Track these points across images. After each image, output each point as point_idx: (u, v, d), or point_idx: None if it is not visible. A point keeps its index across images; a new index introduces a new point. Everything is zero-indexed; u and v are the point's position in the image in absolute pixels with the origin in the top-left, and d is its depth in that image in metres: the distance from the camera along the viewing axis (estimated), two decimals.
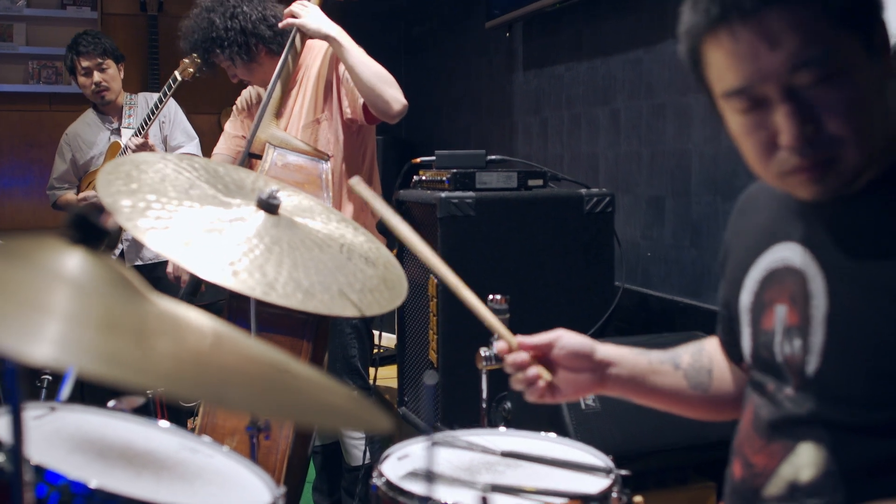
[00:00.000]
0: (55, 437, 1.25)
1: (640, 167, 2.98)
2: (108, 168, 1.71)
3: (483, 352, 2.15)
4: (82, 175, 4.25)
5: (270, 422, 1.97)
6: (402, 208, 2.94)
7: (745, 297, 1.36)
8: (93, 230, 0.83)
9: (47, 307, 0.75)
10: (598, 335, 2.71)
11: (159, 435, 1.38)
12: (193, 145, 4.18)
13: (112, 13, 5.65)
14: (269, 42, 2.99)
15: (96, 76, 3.99)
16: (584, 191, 2.73)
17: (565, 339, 1.50)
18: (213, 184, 1.85)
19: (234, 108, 3.35)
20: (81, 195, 4.15)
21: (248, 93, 3.32)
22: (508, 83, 4.00)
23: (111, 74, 4.03)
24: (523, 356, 1.49)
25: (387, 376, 3.44)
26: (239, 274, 1.60)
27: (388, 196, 3.49)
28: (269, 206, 1.75)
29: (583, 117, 3.35)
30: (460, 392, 2.63)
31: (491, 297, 2.06)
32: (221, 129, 5.81)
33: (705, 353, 1.58)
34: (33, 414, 1.29)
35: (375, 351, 3.73)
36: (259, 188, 1.92)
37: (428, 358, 2.75)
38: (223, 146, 3.36)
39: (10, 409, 0.76)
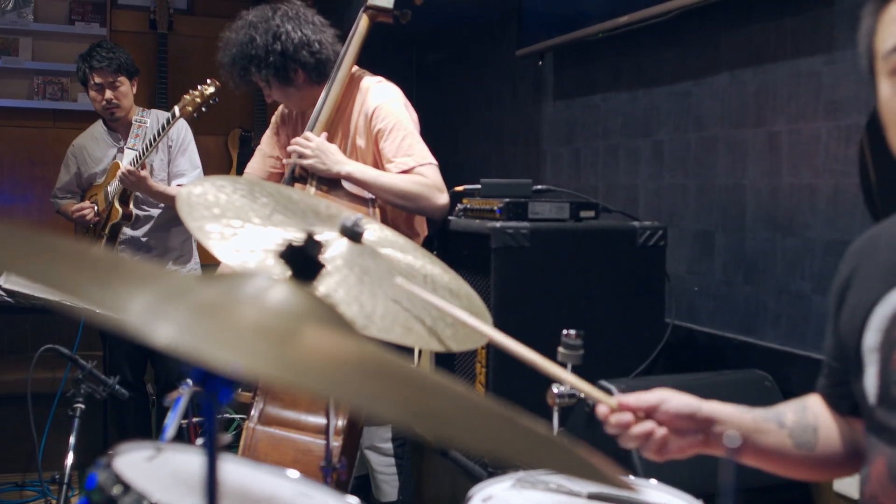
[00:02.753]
0: (172, 478, 1.17)
1: (686, 200, 2.94)
2: (184, 195, 1.64)
3: (555, 388, 2.09)
4: (86, 187, 4.17)
5: (346, 461, 1.89)
6: (446, 237, 2.87)
7: (871, 337, 1.32)
8: (307, 263, 0.75)
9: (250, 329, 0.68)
10: (648, 372, 2.66)
11: (272, 479, 1.30)
12: (195, 175, 4.08)
13: (121, 30, 5.57)
14: (310, 69, 2.90)
15: (108, 93, 3.91)
16: (636, 223, 2.68)
17: (670, 401, 1.44)
18: (289, 209, 1.78)
19: (273, 122, 3.26)
20: (76, 207, 4.06)
21: (284, 108, 3.23)
22: (536, 112, 3.95)
23: (123, 92, 3.95)
24: (628, 416, 1.43)
25: None
26: (337, 306, 1.53)
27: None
28: (354, 233, 1.68)
29: (621, 148, 3.31)
30: None
31: (565, 331, 2.00)
32: (228, 152, 5.79)
33: (809, 410, 1.53)
34: (145, 455, 1.21)
35: None
36: (335, 214, 1.86)
37: (475, 391, 2.67)
38: (257, 166, 3.27)
39: (206, 437, 0.70)
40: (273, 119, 3.25)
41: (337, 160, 2.76)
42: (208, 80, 3.65)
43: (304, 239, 0.74)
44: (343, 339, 0.75)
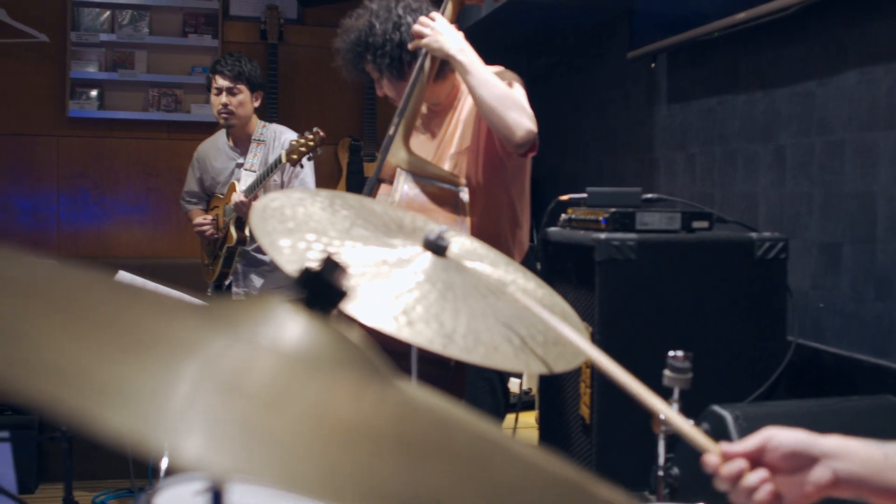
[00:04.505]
0: None
1: (810, 209, 2.72)
2: (259, 208, 1.56)
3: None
4: (210, 195, 4.21)
5: None
6: (550, 249, 2.72)
7: None
8: (327, 291, 0.63)
9: (246, 393, 0.56)
10: (768, 396, 2.45)
11: None
12: None
13: (233, 41, 5.61)
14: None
15: (224, 97, 3.92)
16: (754, 235, 2.48)
17: (778, 437, 1.25)
18: (371, 222, 1.67)
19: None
20: (198, 220, 4.08)
21: None
22: (649, 117, 3.77)
23: (241, 100, 3.95)
24: (741, 465, 1.24)
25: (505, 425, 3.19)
26: (414, 324, 1.41)
27: (532, 236, 3.28)
28: (438, 247, 1.56)
29: (739, 154, 3.10)
30: (617, 454, 2.40)
31: (672, 353, 1.83)
32: (338, 161, 5.77)
33: None
34: (194, 488, 1.11)
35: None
36: (420, 227, 1.74)
37: (579, 413, 2.52)
38: None
39: None
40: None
41: (448, 41, 2.59)
42: (315, 130, 3.62)
43: (321, 261, 0.62)
44: (373, 399, 0.63)
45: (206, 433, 0.50)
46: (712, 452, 1.25)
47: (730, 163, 3.16)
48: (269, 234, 1.50)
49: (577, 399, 2.54)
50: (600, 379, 2.39)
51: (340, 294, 0.63)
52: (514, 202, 2.80)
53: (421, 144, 2.82)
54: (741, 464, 1.23)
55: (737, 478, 1.22)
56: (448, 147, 2.75)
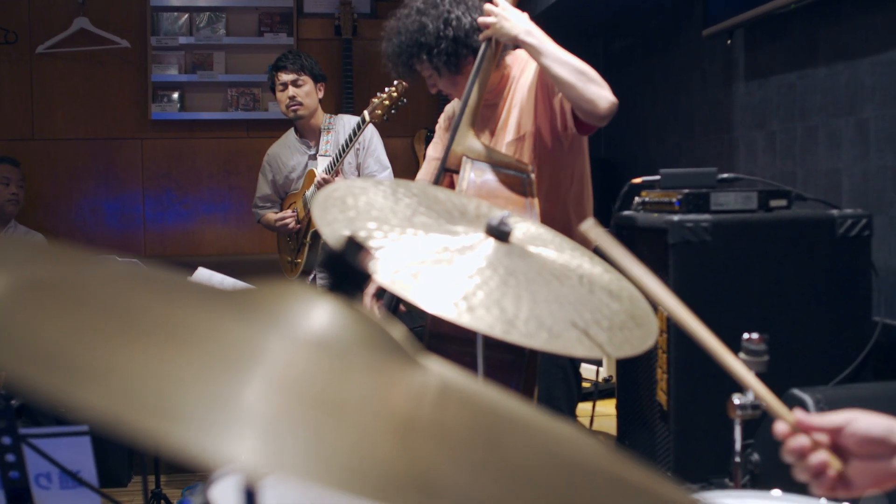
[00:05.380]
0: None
1: None
2: (321, 198, 1.55)
3: (736, 399, 1.87)
4: (283, 195, 4.25)
5: None
6: (623, 233, 2.67)
7: None
8: (349, 273, 0.61)
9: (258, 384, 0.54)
10: (853, 378, 2.37)
11: None
12: (386, 175, 4.09)
13: (308, 38, 5.67)
14: None
15: (291, 90, 3.98)
16: (835, 212, 2.39)
17: (858, 422, 1.19)
18: (434, 210, 1.66)
19: (437, 127, 3.16)
20: (278, 216, 4.13)
21: (450, 110, 3.11)
22: (727, 96, 3.67)
23: (306, 91, 4.00)
24: (805, 441, 1.18)
25: (584, 414, 3.13)
26: (475, 310, 1.40)
27: (602, 220, 3.24)
28: (501, 233, 1.54)
29: (820, 130, 3.00)
30: (696, 440, 2.34)
31: (747, 335, 1.78)
32: (415, 153, 5.78)
33: None
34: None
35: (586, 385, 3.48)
36: (484, 213, 1.73)
37: (656, 399, 2.47)
38: (424, 171, 3.18)
39: None
40: (437, 126, 3.15)
41: (517, 25, 2.53)
42: (395, 83, 3.62)
43: (343, 243, 0.61)
44: (408, 386, 0.61)
45: (266, 436, 0.49)
46: (786, 420, 1.20)
47: (811, 139, 3.06)
48: (329, 224, 1.50)
49: (654, 385, 2.49)
50: (676, 364, 2.34)
51: (363, 276, 0.62)
52: (578, 182, 2.78)
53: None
54: (804, 440, 1.17)
55: (801, 453, 1.18)
56: (503, 135, 2.73)
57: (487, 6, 2.62)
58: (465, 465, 0.55)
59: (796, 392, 2.01)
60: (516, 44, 2.58)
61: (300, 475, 0.46)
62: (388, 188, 1.69)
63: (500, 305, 1.41)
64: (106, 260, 0.78)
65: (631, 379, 2.72)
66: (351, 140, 3.76)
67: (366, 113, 3.65)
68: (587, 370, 3.51)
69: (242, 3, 5.63)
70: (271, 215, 4.25)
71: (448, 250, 1.51)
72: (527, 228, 1.71)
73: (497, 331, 1.35)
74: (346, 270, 0.62)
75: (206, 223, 5.70)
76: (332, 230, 1.49)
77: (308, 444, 0.50)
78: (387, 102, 3.58)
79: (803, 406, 2.00)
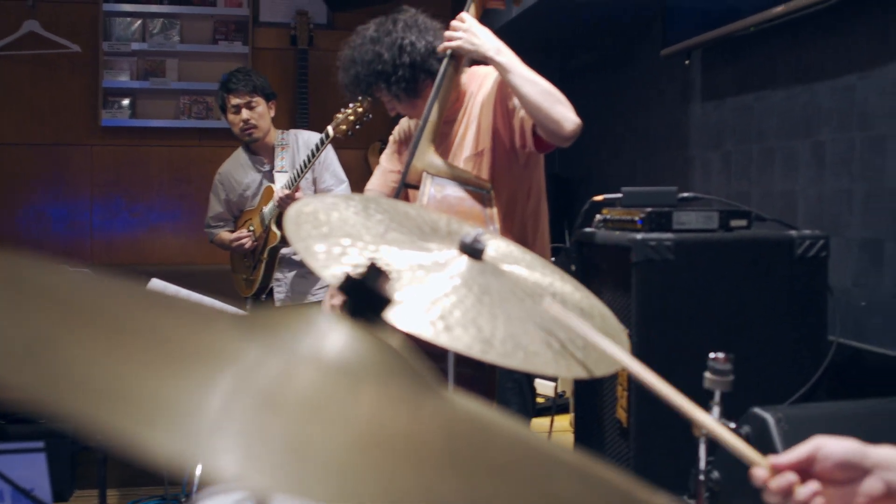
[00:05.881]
0: None
1: (851, 207, 2.67)
2: (292, 214, 1.54)
3: None
4: (237, 214, 4.19)
5: None
6: (584, 251, 2.69)
7: None
8: (369, 299, 0.61)
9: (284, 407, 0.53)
10: (809, 397, 2.40)
11: None
12: (343, 188, 4.07)
13: (263, 47, 5.63)
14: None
15: (244, 114, 3.92)
16: (794, 233, 2.43)
17: (828, 447, 1.20)
18: (405, 226, 1.65)
19: (391, 140, 3.16)
20: (233, 236, 4.08)
21: (405, 123, 3.11)
22: (683, 115, 3.72)
23: (260, 112, 3.95)
24: (790, 478, 1.19)
25: (540, 429, 3.14)
26: (452, 329, 1.39)
27: (555, 236, 3.25)
28: (474, 250, 1.54)
29: (777, 151, 3.05)
30: (656, 458, 2.36)
31: (713, 355, 1.80)
32: (369, 165, 5.75)
33: None
34: (233, 499, 1.09)
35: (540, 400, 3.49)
36: (455, 230, 1.72)
37: (615, 416, 2.49)
38: (377, 182, 3.17)
39: None
40: (392, 139, 3.14)
41: (484, 41, 2.56)
42: (360, 98, 3.59)
43: (364, 268, 0.60)
44: (421, 411, 0.60)
45: (246, 448, 0.48)
46: (760, 465, 1.21)
47: (767, 160, 3.10)
48: (303, 240, 1.49)
49: (614, 402, 2.50)
50: (638, 382, 2.36)
51: (385, 301, 0.61)
52: (535, 198, 2.79)
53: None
54: (791, 477, 1.18)
55: (787, 491, 1.18)
56: (461, 151, 2.74)
57: (454, 23, 2.63)
58: (471, 493, 0.54)
59: (757, 411, 2.04)
60: (483, 60, 2.58)
61: (275, 484, 0.46)
62: (359, 204, 1.68)
63: (477, 324, 1.40)
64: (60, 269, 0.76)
65: (588, 395, 2.73)
66: (314, 155, 3.72)
67: (329, 128, 3.62)
68: (543, 386, 3.52)
69: (197, 11, 5.57)
70: (226, 235, 4.19)
71: (422, 268, 1.50)
72: (498, 246, 1.71)
73: (475, 350, 1.34)
74: (366, 296, 0.61)
75: (156, 232, 5.62)
76: (307, 246, 1.47)
77: (284, 454, 0.49)
78: (352, 118, 3.55)
79: (765, 425, 2.02)
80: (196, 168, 5.55)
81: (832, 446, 1.20)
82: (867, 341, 2.59)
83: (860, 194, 2.63)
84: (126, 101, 5.49)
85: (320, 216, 1.58)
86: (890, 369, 2.48)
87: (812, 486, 1.17)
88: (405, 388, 0.62)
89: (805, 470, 1.20)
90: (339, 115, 3.57)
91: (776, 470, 1.19)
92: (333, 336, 0.60)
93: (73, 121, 5.46)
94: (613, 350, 1.44)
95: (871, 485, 1.19)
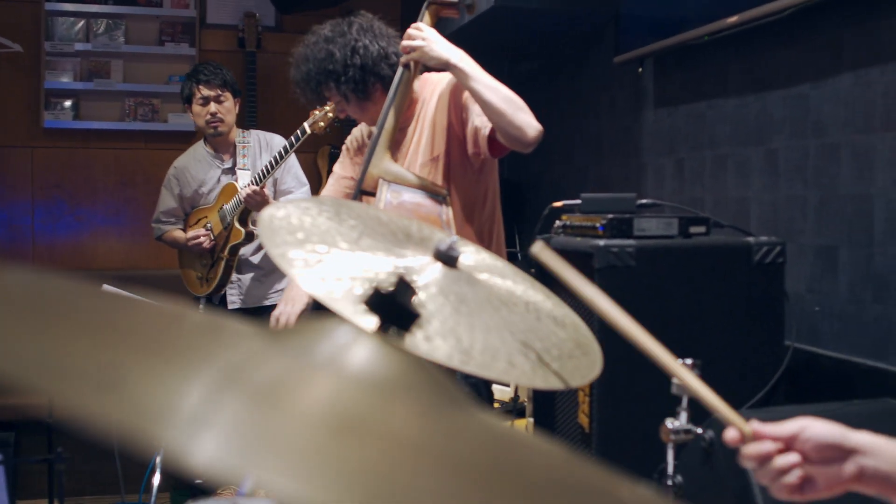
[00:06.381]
0: None
1: (805, 213, 2.71)
2: (265, 218, 1.52)
3: (670, 423, 1.91)
4: (189, 211, 4.12)
5: None
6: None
7: None
8: (398, 312, 0.60)
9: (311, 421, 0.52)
10: (766, 401, 2.44)
11: None
12: (303, 192, 4.04)
13: (210, 49, 5.55)
14: (388, 82, 2.77)
15: (213, 107, 3.89)
16: (751, 239, 2.47)
17: (812, 428, 1.24)
18: (378, 231, 1.64)
19: (344, 148, 3.15)
20: (190, 234, 4.01)
21: (358, 131, 3.11)
22: (635, 122, 3.76)
23: (227, 107, 3.93)
24: (769, 446, 1.23)
25: None
26: (432, 339, 1.38)
27: (508, 241, 3.26)
28: (449, 258, 1.53)
29: (730, 158, 3.09)
30: (618, 463, 2.37)
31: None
32: (318, 169, 5.71)
33: None
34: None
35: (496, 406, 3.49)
36: (427, 236, 1.71)
37: (577, 422, 2.50)
38: (332, 189, 3.16)
39: None
40: (345, 147, 3.14)
41: (444, 49, 2.57)
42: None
43: (393, 282, 0.59)
44: (453, 427, 0.59)
45: (230, 441, 0.47)
46: (743, 430, 1.23)
47: (720, 167, 3.15)
48: (279, 246, 1.47)
49: (576, 408, 2.51)
50: (600, 387, 2.37)
51: (413, 316, 0.60)
52: (490, 203, 2.81)
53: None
54: (770, 446, 1.21)
55: (764, 458, 1.21)
56: (416, 157, 2.75)
57: (410, 31, 2.64)
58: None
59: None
60: (442, 68, 2.59)
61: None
62: (331, 209, 1.66)
63: (456, 334, 1.39)
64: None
65: (546, 401, 2.74)
66: (287, 151, 3.69)
67: (306, 125, 3.58)
68: (500, 391, 3.53)
69: (143, 11, 5.48)
70: (179, 234, 4.11)
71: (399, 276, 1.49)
72: (473, 254, 1.70)
73: (455, 361, 1.33)
74: (394, 310, 0.60)
75: (100, 236, 5.51)
76: (282, 253, 1.45)
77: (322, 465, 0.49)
78: (331, 114, 3.52)
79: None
80: (142, 171, 5.46)
81: (817, 428, 1.23)
82: (822, 346, 2.64)
83: (814, 201, 2.68)
84: (69, 103, 5.38)
85: (293, 221, 1.56)
86: (844, 373, 2.53)
87: (793, 456, 1.20)
88: (434, 402, 0.61)
89: (787, 446, 1.23)
90: (317, 112, 3.55)
91: (757, 437, 1.22)
92: (359, 349, 0.59)
93: (13, 122, 5.33)
94: (599, 299, 1.42)
95: (847, 468, 1.23)
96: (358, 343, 0.61)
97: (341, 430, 0.53)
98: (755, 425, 1.25)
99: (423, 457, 0.54)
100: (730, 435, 1.25)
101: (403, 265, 1.55)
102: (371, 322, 1.35)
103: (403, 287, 0.59)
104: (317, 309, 2.66)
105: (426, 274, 1.53)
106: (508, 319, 1.55)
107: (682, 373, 1.33)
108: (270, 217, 1.57)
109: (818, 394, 2.59)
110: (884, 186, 2.42)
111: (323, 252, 1.52)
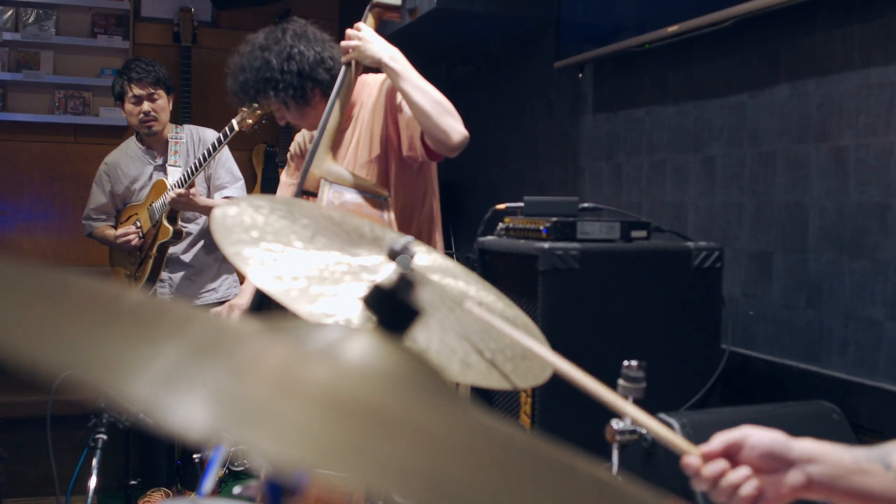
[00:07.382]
0: None
1: (740, 219, 2.78)
2: (219, 217, 1.50)
3: (615, 424, 1.93)
4: (121, 207, 4.05)
5: None
6: (487, 258, 2.72)
7: None
8: (399, 310, 0.60)
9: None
10: (703, 402, 2.49)
11: None
12: (237, 187, 4.00)
13: (144, 43, 5.46)
14: (326, 86, 2.78)
15: (146, 105, 3.81)
16: (691, 244, 2.52)
17: (755, 437, 1.27)
18: (331, 230, 1.63)
19: (289, 155, 3.15)
20: (119, 232, 3.94)
21: (301, 137, 3.11)
22: (573, 126, 3.80)
23: (160, 105, 3.85)
24: (722, 465, 1.25)
25: None
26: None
27: (447, 242, 3.27)
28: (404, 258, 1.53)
29: (668, 164, 3.15)
30: None
31: (626, 363, 1.85)
32: (253, 167, 5.66)
33: None
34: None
35: None
36: (379, 236, 1.71)
37: (518, 422, 2.52)
38: (282, 196, 3.14)
39: None
40: (289, 155, 3.14)
41: (379, 48, 2.59)
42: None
43: (394, 280, 0.59)
44: (449, 415, 0.60)
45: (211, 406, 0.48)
46: (692, 454, 1.26)
47: (658, 172, 3.20)
48: (233, 244, 1.45)
49: (517, 408, 2.53)
50: (543, 388, 2.39)
51: (413, 313, 0.61)
52: (429, 204, 2.84)
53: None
54: (722, 464, 1.24)
55: (718, 477, 1.24)
56: (356, 158, 2.76)
57: (349, 31, 2.65)
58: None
59: (663, 417, 2.10)
60: (377, 67, 2.60)
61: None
62: (284, 207, 1.65)
63: (412, 335, 1.40)
64: None
65: (489, 401, 2.76)
66: (215, 149, 3.64)
67: (234, 122, 3.53)
68: None
69: (75, 2, 5.36)
70: (109, 231, 4.04)
71: (352, 276, 1.49)
72: (426, 254, 1.71)
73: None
74: (394, 308, 0.60)
75: (26, 232, 5.37)
76: (237, 251, 1.44)
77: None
78: (259, 112, 3.48)
79: (670, 429, 2.08)
80: (71, 166, 5.34)
81: (759, 436, 1.26)
82: (756, 349, 2.71)
83: (750, 208, 2.75)
84: None
85: (246, 219, 1.55)
86: (778, 375, 2.59)
87: (744, 470, 1.23)
88: (430, 395, 0.61)
89: (732, 457, 1.26)
90: (246, 110, 3.51)
91: (707, 457, 1.25)
92: (359, 345, 0.60)
93: None
94: (542, 350, 1.46)
95: (794, 477, 1.26)
96: (358, 341, 0.61)
97: (332, 407, 0.53)
98: (703, 447, 1.27)
99: (420, 438, 0.55)
100: (691, 462, 1.27)
101: (358, 264, 1.56)
102: (324, 317, 1.35)
103: (404, 284, 0.60)
104: (256, 310, 2.64)
105: (380, 273, 1.53)
106: (463, 321, 1.56)
107: (626, 406, 1.34)
108: (223, 215, 1.56)
109: (753, 396, 2.65)
110: (818, 195, 2.49)
111: (278, 251, 1.51)
